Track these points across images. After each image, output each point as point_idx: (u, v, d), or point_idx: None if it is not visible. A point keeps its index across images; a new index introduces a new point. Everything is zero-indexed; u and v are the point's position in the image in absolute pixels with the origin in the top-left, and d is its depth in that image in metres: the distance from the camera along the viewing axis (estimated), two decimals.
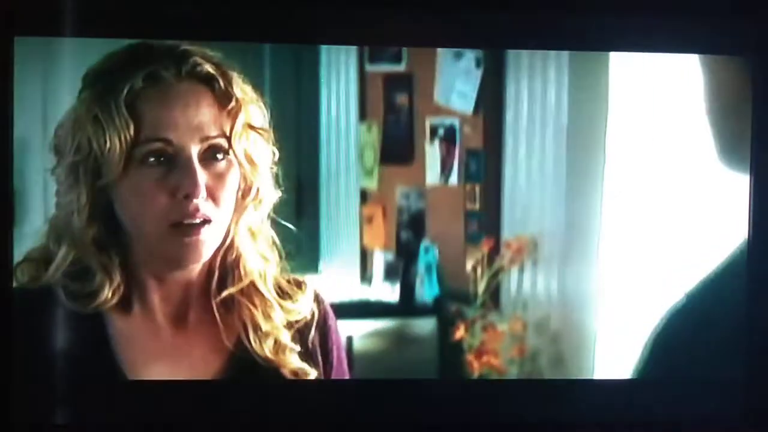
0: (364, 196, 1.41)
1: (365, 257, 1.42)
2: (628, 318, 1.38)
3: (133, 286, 1.20)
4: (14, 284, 1.22)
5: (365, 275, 1.42)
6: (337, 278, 1.40)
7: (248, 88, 1.19)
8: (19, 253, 1.22)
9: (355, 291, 1.42)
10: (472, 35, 1.32)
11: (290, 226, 1.23)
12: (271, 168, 1.21)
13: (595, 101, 1.37)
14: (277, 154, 1.22)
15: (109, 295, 1.18)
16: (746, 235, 1.34)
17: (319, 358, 1.26)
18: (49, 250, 1.19)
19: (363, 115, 1.40)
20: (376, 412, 1.33)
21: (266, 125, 1.21)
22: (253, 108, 1.19)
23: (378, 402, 1.33)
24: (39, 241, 1.20)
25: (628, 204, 1.37)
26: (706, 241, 1.34)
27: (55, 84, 1.25)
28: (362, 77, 1.40)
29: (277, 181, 1.22)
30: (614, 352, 1.39)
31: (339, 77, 1.38)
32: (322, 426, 1.33)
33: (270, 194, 1.21)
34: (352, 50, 1.37)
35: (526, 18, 1.31)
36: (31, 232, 1.23)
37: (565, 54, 1.36)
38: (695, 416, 1.35)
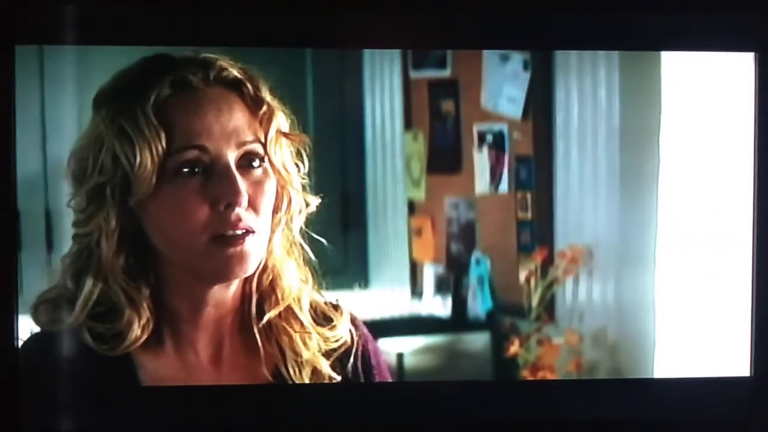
0: (411, 207, 1.37)
1: (415, 271, 1.38)
2: (688, 326, 1.35)
3: (164, 320, 1.16)
4: (34, 328, 1.18)
5: (415, 289, 1.38)
6: (386, 293, 1.36)
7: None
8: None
9: (405, 306, 1.37)
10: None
11: (323, 241, 1.19)
12: (303, 178, 1.17)
13: (647, 100, 1.34)
14: (307, 164, 1.18)
15: (139, 332, 1.14)
16: (751, 231, 1.32)
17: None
18: (67, 289, 1.15)
19: (408, 123, 1.37)
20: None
21: (296, 132, 1.17)
22: (281, 115, 1.15)
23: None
24: (53, 281, 1.16)
25: (684, 207, 1.34)
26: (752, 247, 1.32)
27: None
28: (406, 84, 1.36)
29: (308, 192, 1.17)
30: (674, 362, 1.35)
31: (383, 85, 1.35)
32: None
33: (303, 206, 1.17)
34: (396, 57, 1.34)
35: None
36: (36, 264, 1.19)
37: (614, 53, 1.33)
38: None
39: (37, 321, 1.18)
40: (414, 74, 1.36)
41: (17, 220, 1.23)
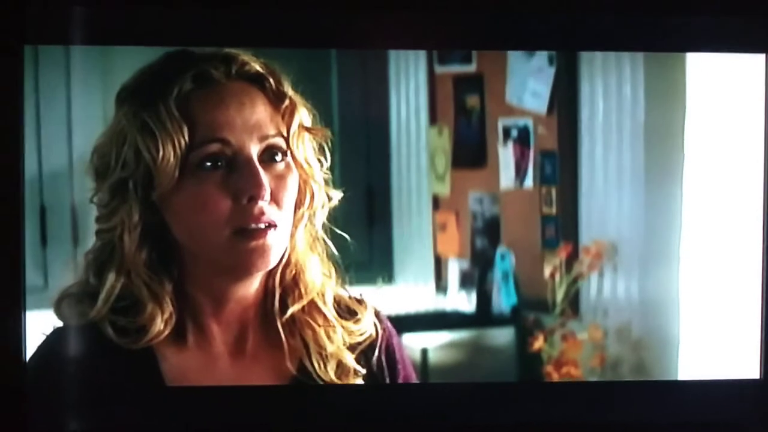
0: (436, 202, 1.37)
1: (440, 266, 1.38)
2: (712, 322, 1.34)
3: (187, 314, 1.16)
4: (57, 322, 1.18)
5: (440, 284, 1.38)
6: (410, 288, 1.36)
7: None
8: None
9: (429, 301, 1.37)
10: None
11: (346, 236, 1.19)
12: (325, 173, 1.17)
13: (672, 96, 1.34)
14: (330, 158, 1.18)
15: (162, 326, 1.14)
16: (762, 231, 1.32)
17: (387, 379, 1.21)
18: (90, 284, 1.15)
19: (433, 118, 1.36)
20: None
21: (318, 126, 1.17)
22: (303, 109, 1.15)
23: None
24: (77, 277, 1.17)
25: (709, 203, 1.33)
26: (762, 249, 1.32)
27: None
28: (432, 79, 1.36)
29: (330, 187, 1.18)
30: (698, 358, 1.35)
31: (408, 80, 1.34)
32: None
33: (325, 201, 1.17)
34: (421, 52, 1.34)
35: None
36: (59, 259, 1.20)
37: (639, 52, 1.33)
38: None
39: (60, 315, 1.18)
40: (439, 69, 1.36)
41: (22, 217, 1.24)
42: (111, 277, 1.13)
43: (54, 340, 1.20)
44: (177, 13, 1.24)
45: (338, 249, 1.20)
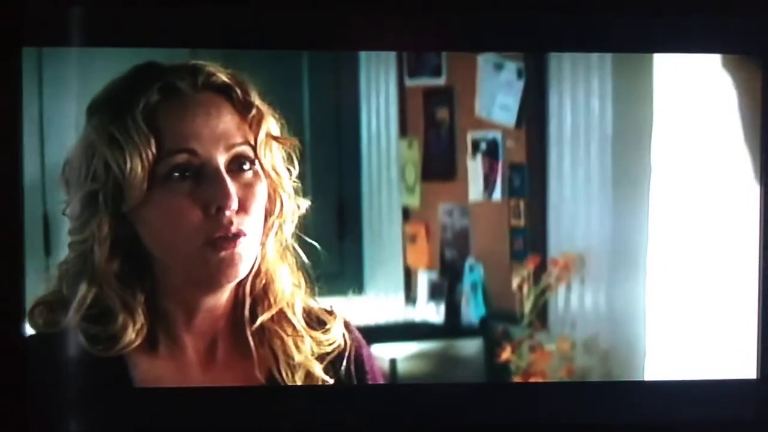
0: (406, 213, 1.37)
1: (409, 277, 1.38)
2: (684, 332, 1.35)
3: (159, 324, 1.15)
4: (30, 329, 1.17)
5: (409, 296, 1.38)
6: (380, 299, 1.36)
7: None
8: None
9: (399, 312, 1.38)
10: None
11: (317, 246, 1.19)
12: (294, 182, 1.17)
13: (639, 108, 1.34)
14: (298, 167, 1.18)
15: (133, 336, 1.13)
16: (758, 233, 1.31)
17: None
18: (63, 294, 1.15)
19: (403, 130, 1.37)
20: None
21: (286, 135, 1.17)
22: (271, 119, 1.15)
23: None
24: (50, 287, 1.16)
25: (675, 215, 1.34)
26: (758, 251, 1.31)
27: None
28: (402, 92, 1.37)
29: (300, 196, 1.18)
30: (665, 370, 1.35)
31: (378, 92, 1.35)
32: None
33: (295, 210, 1.17)
34: (392, 64, 1.35)
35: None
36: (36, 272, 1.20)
37: (608, 58, 1.34)
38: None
39: (32, 323, 1.17)
40: (409, 82, 1.37)
41: (23, 223, 1.23)
42: (83, 288, 1.13)
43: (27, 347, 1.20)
44: (177, 13, 1.24)
45: (309, 259, 1.20)
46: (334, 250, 1.31)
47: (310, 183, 1.22)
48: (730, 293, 1.33)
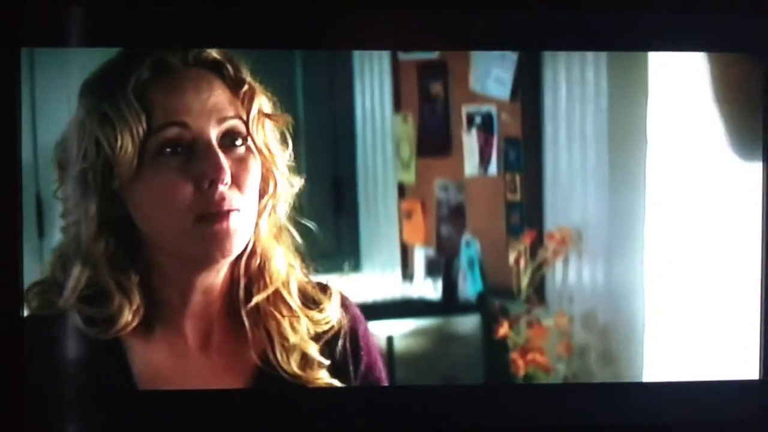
0: (401, 190, 1.36)
1: (406, 253, 1.38)
2: (679, 309, 1.34)
3: (154, 306, 1.15)
4: (25, 311, 1.17)
5: (406, 272, 1.38)
6: (377, 276, 1.36)
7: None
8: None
9: (395, 289, 1.37)
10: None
11: (313, 226, 1.18)
12: (288, 162, 1.17)
13: (636, 83, 1.33)
14: (291, 146, 1.18)
15: (130, 317, 1.13)
16: (761, 228, 1.31)
17: (351, 367, 1.21)
18: (57, 277, 1.15)
19: (398, 105, 1.36)
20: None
21: (278, 113, 1.16)
22: (264, 96, 1.15)
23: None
24: (45, 270, 1.16)
25: (673, 190, 1.34)
26: (753, 230, 1.32)
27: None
28: (396, 67, 1.36)
29: (294, 175, 1.17)
30: (665, 346, 1.35)
31: (372, 67, 1.34)
32: None
33: (288, 189, 1.16)
34: None
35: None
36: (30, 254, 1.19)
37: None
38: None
39: (28, 305, 1.17)
40: (403, 57, 1.36)
41: (20, 208, 1.22)
42: (77, 269, 1.13)
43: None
44: (176, 14, 1.23)
45: (304, 238, 1.20)
46: (330, 227, 1.30)
47: (304, 160, 1.21)
48: (732, 294, 1.33)
